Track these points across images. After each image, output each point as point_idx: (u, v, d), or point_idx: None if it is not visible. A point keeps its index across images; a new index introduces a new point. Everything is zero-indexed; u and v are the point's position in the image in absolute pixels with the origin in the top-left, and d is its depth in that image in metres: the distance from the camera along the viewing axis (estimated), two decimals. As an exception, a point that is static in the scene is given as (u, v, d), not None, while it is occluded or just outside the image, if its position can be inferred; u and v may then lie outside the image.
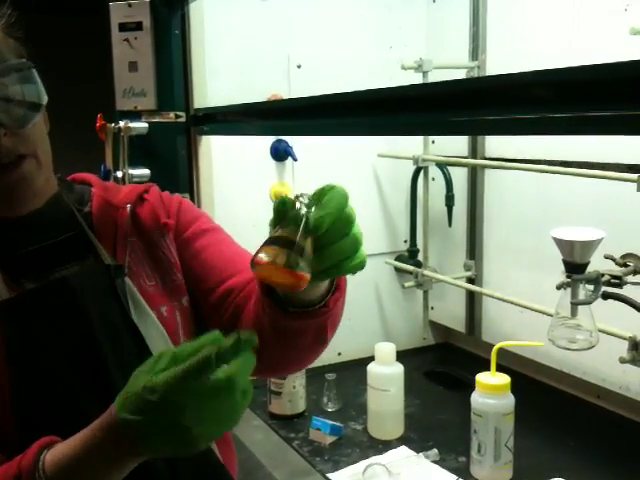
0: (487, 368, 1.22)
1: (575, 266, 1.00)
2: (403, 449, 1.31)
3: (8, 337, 0.74)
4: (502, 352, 1.21)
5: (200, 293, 0.91)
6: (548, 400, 1.48)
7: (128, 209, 0.88)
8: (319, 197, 0.65)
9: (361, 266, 0.67)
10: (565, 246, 1.00)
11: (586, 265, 1.00)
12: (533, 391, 1.47)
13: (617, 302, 1.05)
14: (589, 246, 0.99)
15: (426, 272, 1.66)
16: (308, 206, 0.65)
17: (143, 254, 0.88)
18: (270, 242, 0.64)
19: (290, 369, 0.87)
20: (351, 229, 0.66)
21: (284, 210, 0.66)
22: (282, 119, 1.31)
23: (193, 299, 0.92)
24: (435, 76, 1.55)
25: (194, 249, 0.92)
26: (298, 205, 0.65)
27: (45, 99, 0.84)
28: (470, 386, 1.45)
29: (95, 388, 0.75)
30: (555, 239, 1.01)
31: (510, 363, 1.45)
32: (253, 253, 0.66)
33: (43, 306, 0.77)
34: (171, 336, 0.83)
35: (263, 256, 0.63)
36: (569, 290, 1.02)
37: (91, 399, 0.75)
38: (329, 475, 1.21)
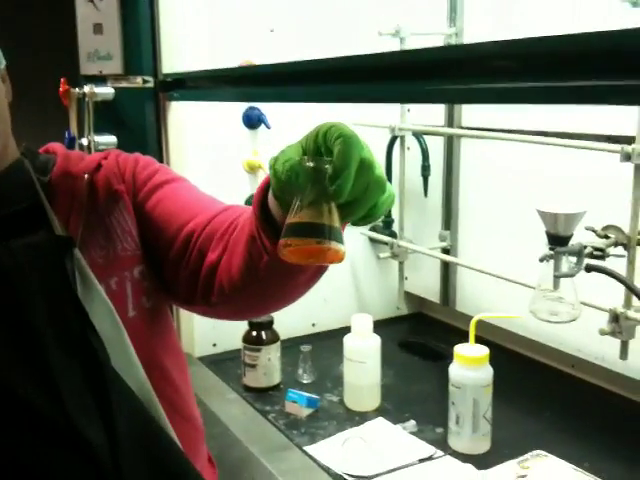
0: (462, 338, 1.22)
1: (558, 238, 0.99)
2: (380, 421, 1.30)
3: None
4: (478, 323, 1.20)
5: (162, 248, 0.88)
6: (524, 371, 1.49)
7: (85, 179, 0.84)
8: (326, 151, 0.61)
9: (391, 203, 0.64)
10: (549, 218, 0.99)
11: (569, 237, 0.99)
12: (509, 362, 1.47)
13: (595, 274, 1.05)
14: (573, 218, 0.98)
15: (402, 243, 1.64)
16: (319, 170, 0.60)
17: (97, 224, 0.85)
18: (294, 232, 0.60)
19: (282, 305, 0.84)
20: (373, 173, 0.61)
21: (297, 183, 0.61)
22: (254, 85, 1.27)
23: (155, 262, 0.89)
24: (412, 43, 1.51)
25: (151, 204, 0.89)
26: (308, 169, 0.60)
27: (3, 63, 0.79)
28: (445, 356, 1.45)
29: (29, 365, 0.71)
30: (539, 211, 1.00)
31: (486, 334, 1.45)
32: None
33: None
34: (119, 310, 0.79)
35: (291, 249, 0.60)
36: (551, 263, 1.01)
37: (24, 376, 0.70)
38: (306, 448, 1.20)
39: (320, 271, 0.76)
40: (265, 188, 0.71)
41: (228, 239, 0.81)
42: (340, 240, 0.61)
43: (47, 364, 0.70)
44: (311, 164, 0.61)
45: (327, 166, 0.60)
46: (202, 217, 0.85)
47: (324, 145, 0.61)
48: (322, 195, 0.60)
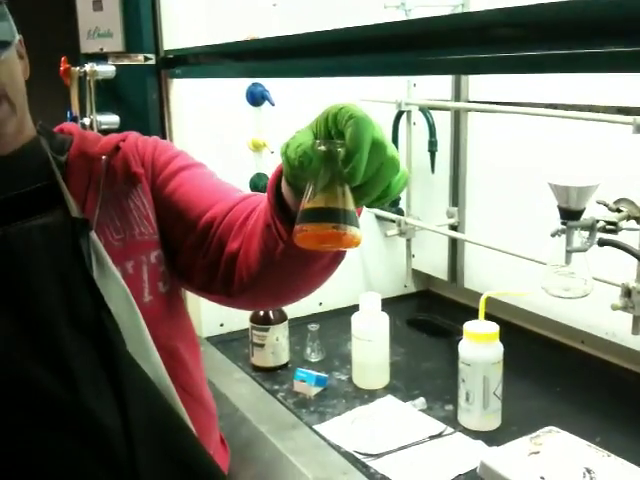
0: (470, 316, 1.21)
1: (570, 213, 0.97)
2: (389, 398, 1.30)
3: None
4: (487, 299, 1.19)
5: (179, 234, 0.87)
6: (534, 347, 1.48)
7: (103, 160, 0.83)
8: (338, 134, 0.59)
9: (405, 183, 0.64)
10: (561, 192, 0.97)
11: (582, 212, 0.97)
12: (518, 339, 1.46)
13: (606, 250, 1.03)
14: (585, 192, 0.96)
15: (409, 220, 1.62)
16: (331, 154, 0.59)
17: (114, 206, 0.84)
18: (309, 217, 0.59)
19: (301, 294, 0.83)
20: (386, 153, 0.60)
21: (310, 168, 0.60)
22: (258, 60, 1.25)
23: (171, 247, 0.88)
24: (418, 15, 1.48)
25: (170, 189, 0.88)
26: (320, 153, 0.59)
27: (17, 37, 0.78)
28: (454, 334, 1.44)
29: (42, 349, 0.70)
30: (550, 185, 0.98)
31: (494, 310, 1.44)
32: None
33: None
34: (135, 294, 0.79)
35: (307, 234, 0.60)
36: (563, 237, 0.99)
37: (37, 360, 0.70)
38: (316, 427, 1.20)
39: (337, 259, 0.75)
40: (278, 176, 0.70)
41: (247, 228, 0.80)
42: (356, 224, 0.60)
43: (60, 348, 0.70)
44: (323, 148, 0.60)
45: (340, 149, 0.59)
46: (222, 205, 0.84)
47: (335, 128, 0.60)
48: (336, 179, 0.59)
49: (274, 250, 0.73)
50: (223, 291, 0.86)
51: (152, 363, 0.76)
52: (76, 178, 0.82)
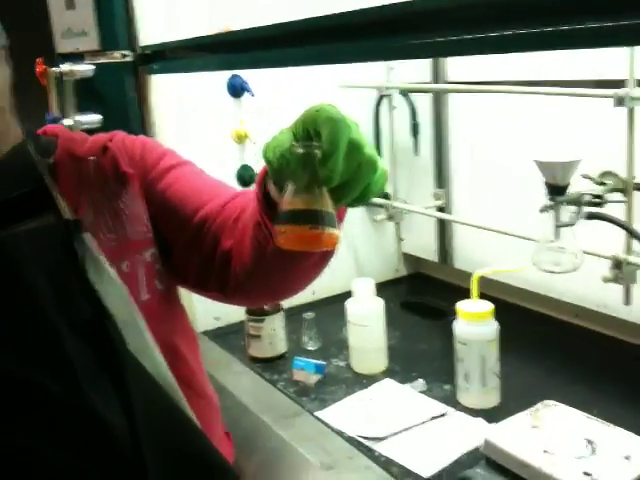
0: (462, 295, 1.22)
1: (557, 188, 0.98)
2: (388, 382, 1.31)
3: None
4: (478, 278, 1.20)
5: (173, 233, 0.87)
6: (527, 323, 1.49)
7: (91, 161, 0.83)
8: (316, 135, 0.60)
9: (384, 183, 0.64)
10: (546, 168, 0.98)
11: (567, 187, 0.99)
12: (511, 316, 1.47)
13: (593, 223, 1.05)
14: (570, 167, 0.98)
15: (396, 204, 1.63)
16: (309, 156, 0.60)
17: (105, 207, 0.83)
18: (287, 218, 0.61)
19: (295, 290, 0.84)
20: (363, 153, 0.60)
21: (288, 169, 0.61)
22: (235, 52, 1.24)
23: (164, 246, 0.88)
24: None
25: (162, 187, 0.88)
26: (298, 155, 0.60)
27: (5, 41, 0.77)
28: (447, 314, 1.46)
29: (43, 353, 0.70)
30: (536, 162, 0.99)
31: (486, 289, 1.45)
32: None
33: None
34: (132, 293, 0.78)
35: (286, 236, 0.61)
36: (552, 213, 1.01)
37: (38, 364, 0.69)
38: (318, 414, 1.21)
39: (327, 256, 0.76)
40: (265, 174, 0.71)
41: (240, 226, 0.81)
42: (333, 225, 0.61)
43: (61, 351, 0.69)
44: (300, 150, 0.60)
45: (317, 151, 0.60)
46: (215, 203, 0.84)
47: (313, 129, 0.61)
48: (314, 180, 0.60)
49: (265, 247, 0.74)
50: (219, 289, 0.87)
51: (154, 360, 0.76)
52: (65, 180, 0.81)
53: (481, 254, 1.58)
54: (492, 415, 1.14)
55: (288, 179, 0.62)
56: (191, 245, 0.86)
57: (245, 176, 1.62)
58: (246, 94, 1.58)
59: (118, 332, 0.73)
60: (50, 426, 0.68)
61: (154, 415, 0.73)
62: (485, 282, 1.22)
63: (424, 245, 1.77)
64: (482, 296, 1.22)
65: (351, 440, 1.12)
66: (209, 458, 0.78)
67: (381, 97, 1.65)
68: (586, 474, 0.85)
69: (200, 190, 0.87)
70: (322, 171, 0.60)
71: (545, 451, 0.90)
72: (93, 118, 1.47)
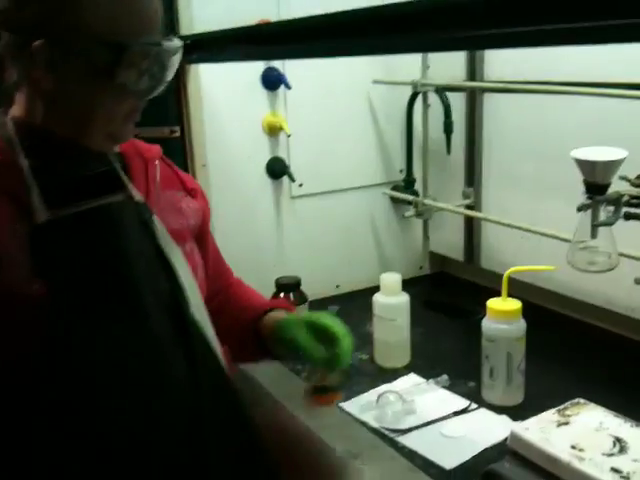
0: (486, 295, 1.23)
1: (596, 187, 0.98)
2: (412, 376, 1.31)
3: (46, 258, 0.71)
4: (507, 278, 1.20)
5: None
6: (553, 324, 1.49)
7: (157, 163, 0.89)
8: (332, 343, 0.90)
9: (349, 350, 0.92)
10: (586, 167, 0.98)
11: (607, 186, 0.98)
12: (538, 316, 1.47)
13: (627, 224, 1.04)
14: (611, 166, 0.97)
15: (426, 201, 1.63)
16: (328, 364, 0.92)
17: (168, 203, 0.89)
18: (315, 390, 0.95)
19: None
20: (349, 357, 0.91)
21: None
22: (274, 43, 1.25)
23: None
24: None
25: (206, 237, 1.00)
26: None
27: None
28: (472, 314, 1.45)
29: (132, 319, 0.75)
30: (576, 159, 0.99)
31: (513, 290, 1.45)
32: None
33: (82, 232, 0.74)
34: (193, 273, 0.85)
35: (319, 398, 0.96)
36: (589, 212, 1.00)
37: (126, 326, 0.74)
38: (342, 404, 1.21)
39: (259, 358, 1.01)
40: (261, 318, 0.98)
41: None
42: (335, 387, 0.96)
43: (146, 315, 0.74)
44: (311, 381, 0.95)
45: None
46: (223, 281, 1.05)
47: (324, 338, 0.92)
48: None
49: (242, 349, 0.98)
50: None
51: (209, 330, 0.83)
52: (134, 169, 0.85)
53: (508, 255, 1.58)
54: (516, 413, 1.14)
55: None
56: None
57: (275, 168, 1.63)
58: (281, 86, 1.59)
59: (187, 303, 0.79)
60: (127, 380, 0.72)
61: (213, 377, 0.80)
62: (512, 283, 1.22)
63: (451, 243, 1.77)
64: (508, 296, 1.22)
65: (375, 431, 1.12)
66: (256, 434, 0.83)
67: (414, 94, 1.66)
68: (615, 470, 0.84)
69: (219, 261, 1.05)
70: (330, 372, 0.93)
71: (573, 446, 0.90)
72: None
